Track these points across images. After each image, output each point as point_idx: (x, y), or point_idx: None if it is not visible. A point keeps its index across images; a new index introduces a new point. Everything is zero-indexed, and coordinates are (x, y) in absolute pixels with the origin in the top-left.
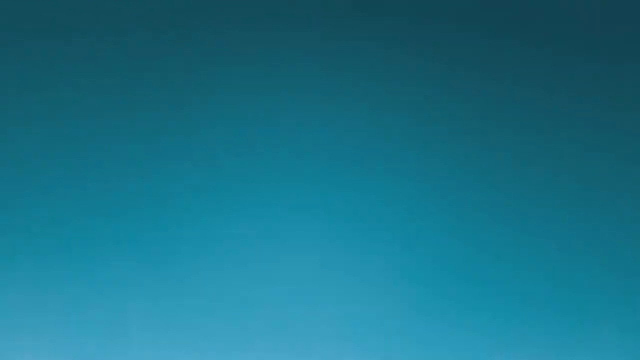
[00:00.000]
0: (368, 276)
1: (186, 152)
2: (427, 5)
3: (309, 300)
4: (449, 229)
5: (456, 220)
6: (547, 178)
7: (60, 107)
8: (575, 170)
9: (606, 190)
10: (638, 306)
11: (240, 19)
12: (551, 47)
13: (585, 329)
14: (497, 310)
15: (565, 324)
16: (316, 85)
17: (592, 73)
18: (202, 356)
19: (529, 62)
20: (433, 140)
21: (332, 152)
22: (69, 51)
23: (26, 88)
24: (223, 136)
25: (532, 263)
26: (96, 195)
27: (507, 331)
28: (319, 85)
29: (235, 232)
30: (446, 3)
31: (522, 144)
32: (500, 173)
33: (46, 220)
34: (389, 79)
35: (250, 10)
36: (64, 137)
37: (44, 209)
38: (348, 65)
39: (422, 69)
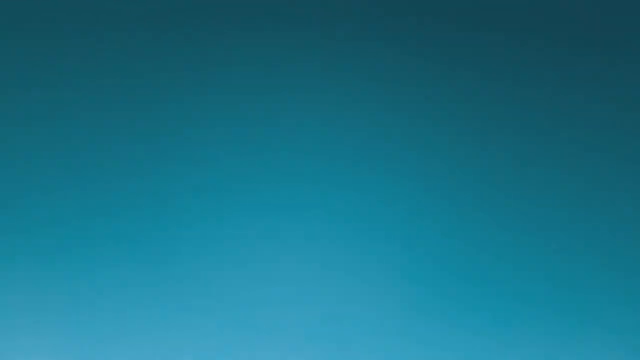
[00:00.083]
0: (368, 276)
1: (186, 152)
2: (427, 5)
3: (309, 300)
4: (449, 229)
5: (456, 220)
6: (547, 178)
7: (60, 107)
8: (575, 170)
9: (606, 190)
10: (638, 306)
11: (240, 19)
12: (551, 47)
13: (585, 329)
14: (497, 310)
15: (565, 324)
16: (316, 85)
17: (592, 73)
18: (202, 356)
19: (529, 62)
20: (433, 140)
21: (332, 152)
22: (69, 51)
23: (26, 88)
24: (223, 136)
25: (532, 263)
26: (96, 195)
27: (507, 331)
28: (319, 85)
29: (235, 232)
30: (446, 3)
31: (522, 144)
32: (500, 173)
33: (46, 220)
34: (389, 79)
35: (250, 10)
36: (64, 137)
37: (44, 209)
38: (348, 65)
39: (422, 69)
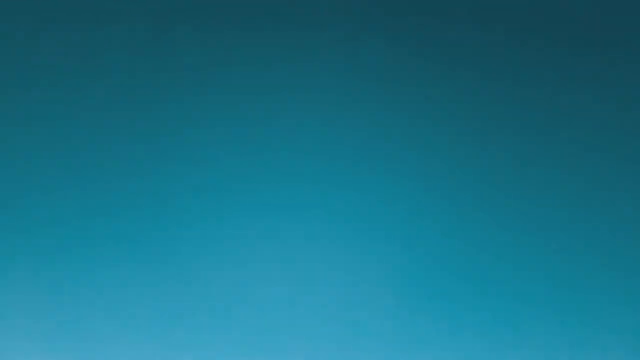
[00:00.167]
0: (368, 276)
1: (186, 152)
2: (428, 5)
3: (309, 300)
4: (449, 229)
5: (456, 220)
6: (547, 178)
7: (60, 107)
8: (575, 170)
9: (606, 190)
10: (638, 306)
11: (240, 19)
12: (551, 47)
13: (585, 329)
14: (496, 310)
15: (565, 324)
16: (316, 85)
17: (592, 73)
18: (203, 356)
19: (529, 62)
20: (433, 140)
21: (332, 152)
22: (68, 51)
23: (26, 88)
24: (223, 136)
25: (531, 263)
26: (96, 195)
27: (507, 331)
28: (319, 85)
29: (235, 232)
30: (446, 3)
31: (522, 144)
32: (500, 173)
33: (46, 220)
34: (389, 79)
35: (249, 10)
36: (64, 137)
37: (44, 209)
38: (348, 65)
39: (422, 69)
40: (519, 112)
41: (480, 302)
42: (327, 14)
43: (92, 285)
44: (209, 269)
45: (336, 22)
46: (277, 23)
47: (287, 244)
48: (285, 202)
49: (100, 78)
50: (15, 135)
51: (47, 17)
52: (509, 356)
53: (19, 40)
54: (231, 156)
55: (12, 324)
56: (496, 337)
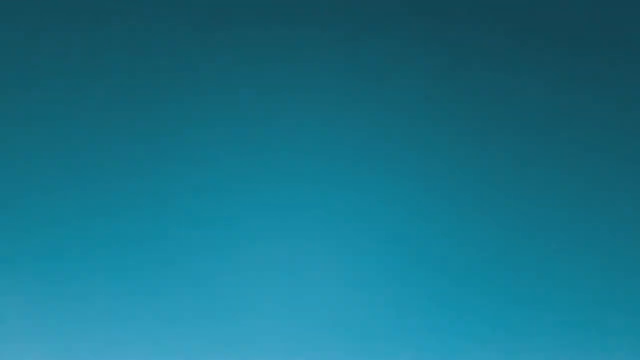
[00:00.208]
0: (367, 276)
1: (186, 152)
2: (428, 4)
3: (309, 301)
4: (449, 229)
5: (456, 220)
6: (547, 178)
7: (60, 107)
8: (575, 170)
9: (606, 190)
10: (638, 306)
11: (240, 19)
12: (551, 47)
13: (585, 329)
14: (496, 310)
15: (565, 325)
16: (316, 85)
17: (592, 73)
18: (202, 356)
19: (529, 62)
20: (433, 140)
21: (332, 152)
22: (68, 51)
23: (26, 88)
24: (223, 136)
25: (532, 263)
26: (96, 195)
27: (507, 331)
28: (319, 85)
29: (235, 232)
30: (447, 3)
31: (522, 144)
32: (500, 173)
33: (46, 220)
34: (389, 78)
35: (249, 9)
36: (64, 137)
37: (44, 209)
38: (348, 65)
39: (422, 69)
40: (519, 112)
41: (480, 302)
42: (327, 13)
43: (92, 285)
44: (209, 269)
45: (336, 22)
46: (277, 23)
47: (287, 244)
48: (285, 202)
49: (100, 78)
50: (15, 135)
51: (47, 17)
52: (509, 356)
53: (19, 40)
54: (231, 156)
55: (12, 324)
56: (496, 337)
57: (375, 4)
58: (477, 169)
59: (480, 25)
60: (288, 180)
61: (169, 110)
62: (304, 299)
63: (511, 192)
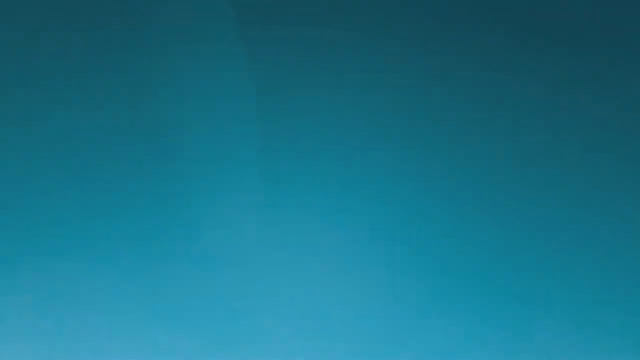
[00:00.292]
0: (367, 276)
1: (186, 152)
2: (428, 4)
3: (309, 301)
4: (449, 229)
5: (456, 220)
6: (547, 178)
7: (60, 107)
8: (575, 170)
9: (606, 190)
10: (638, 306)
11: (240, 19)
12: (551, 47)
13: (585, 329)
14: (496, 310)
15: (565, 325)
16: (316, 85)
17: (592, 73)
18: (202, 356)
19: (530, 62)
20: (433, 140)
21: (331, 151)
22: (68, 50)
23: (26, 88)
24: (223, 136)
25: (532, 263)
26: (96, 195)
27: (507, 331)
28: (319, 85)
29: (235, 232)
30: (447, 2)
31: (522, 144)
32: (500, 173)
33: (46, 220)
34: (389, 78)
35: (249, 9)
36: (64, 137)
37: (44, 209)
38: (348, 65)
39: (422, 69)
40: (519, 112)
41: (480, 302)
42: (327, 13)
43: (92, 285)
44: (209, 269)
45: (336, 22)
46: (277, 23)
47: (288, 245)
48: (285, 202)
49: (101, 77)
50: (15, 135)
51: (47, 17)
52: (509, 356)
53: (19, 40)
54: (231, 156)
55: (11, 324)
56: (496, 336)
57: (375, 4)
58: (477, 169)
59: (480, 25)
60: (288, 180)
61: (169, 110)
62: (304, 299)
63: (511, 192)
